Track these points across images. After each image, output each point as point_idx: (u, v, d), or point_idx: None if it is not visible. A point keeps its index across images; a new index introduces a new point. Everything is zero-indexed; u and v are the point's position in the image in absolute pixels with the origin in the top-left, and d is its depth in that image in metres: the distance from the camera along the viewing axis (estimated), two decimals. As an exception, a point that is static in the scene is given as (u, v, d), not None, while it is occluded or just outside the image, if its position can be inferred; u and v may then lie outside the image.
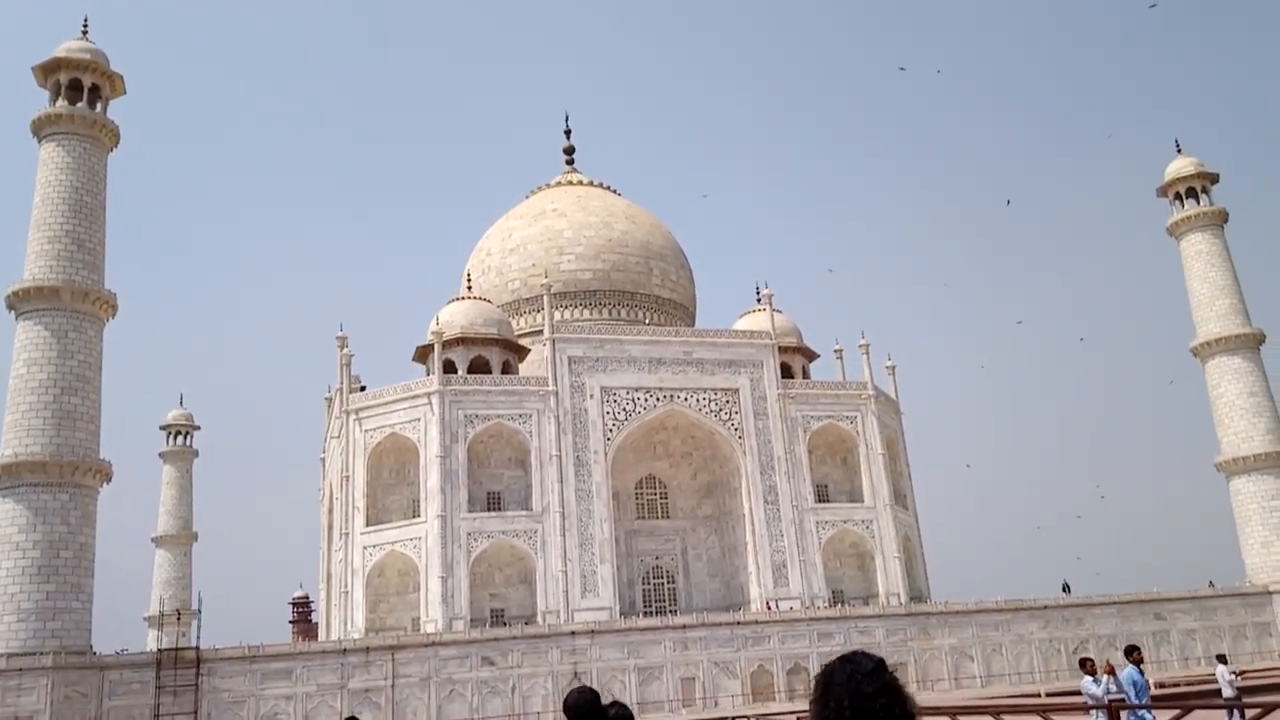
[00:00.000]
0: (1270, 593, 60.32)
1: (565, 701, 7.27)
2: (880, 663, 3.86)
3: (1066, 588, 61.61)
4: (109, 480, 44.88)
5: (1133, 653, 17.97)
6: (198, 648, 44.42)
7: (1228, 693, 18.71)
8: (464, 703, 47.19)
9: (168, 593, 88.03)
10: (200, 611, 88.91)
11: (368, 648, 47.51)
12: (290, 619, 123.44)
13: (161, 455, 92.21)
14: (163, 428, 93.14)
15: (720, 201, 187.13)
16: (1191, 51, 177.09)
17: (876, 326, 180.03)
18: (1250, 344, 64.65)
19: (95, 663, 41.73)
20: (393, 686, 46.17)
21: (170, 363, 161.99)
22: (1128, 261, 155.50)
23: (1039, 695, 33.98)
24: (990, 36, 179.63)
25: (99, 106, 49.50)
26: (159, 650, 42.47)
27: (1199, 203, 67.77)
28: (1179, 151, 69.97)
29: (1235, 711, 18.20)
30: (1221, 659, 20.15)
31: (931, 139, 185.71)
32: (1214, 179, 68.39)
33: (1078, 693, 35.98)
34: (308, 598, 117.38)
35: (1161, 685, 36.94)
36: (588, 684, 48.86)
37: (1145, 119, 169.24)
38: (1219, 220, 67.40)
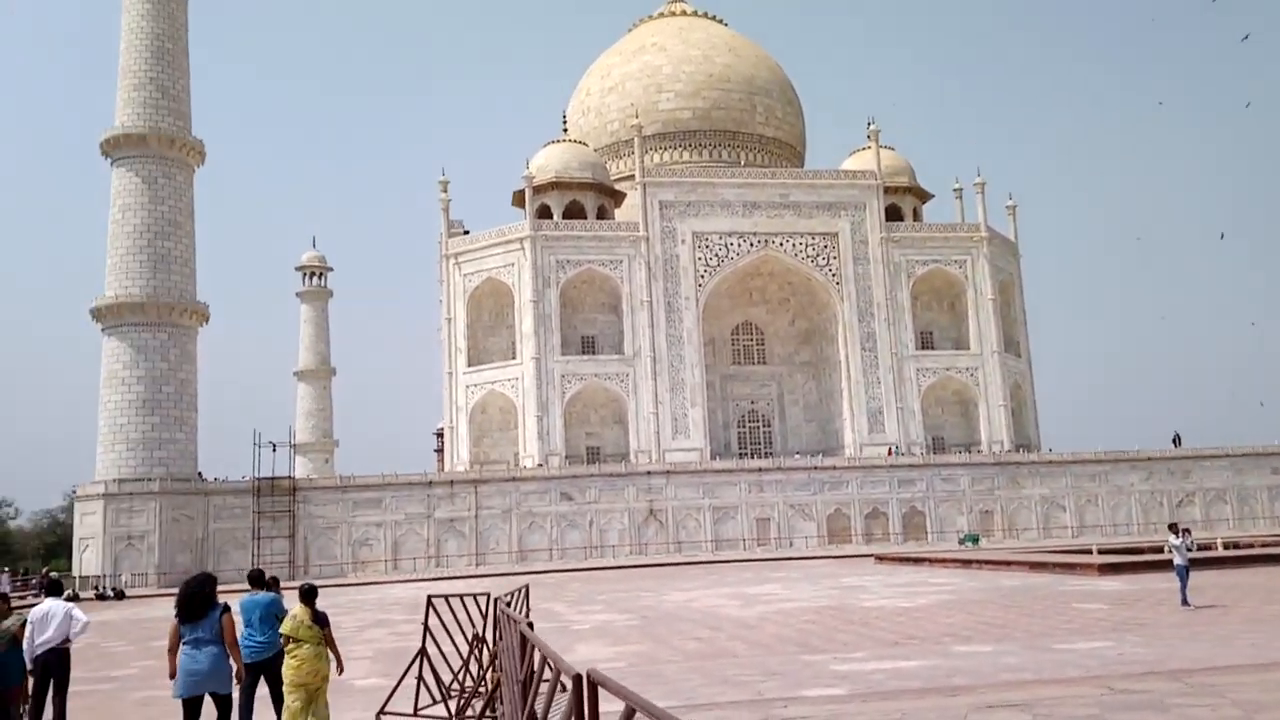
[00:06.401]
0: None
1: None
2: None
3: (1177, 440, 58.48)
4: (206, 321, 48.11)
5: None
6: (292, 477, 48.19)
7: (1179, 560, 17.72)
8: (544, 534, 49.77)
9: (309, 423, 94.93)
10: (339, 441, 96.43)
11: (451, 480, 50.40)
12: (435, 448, 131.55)
13: (299, 295, 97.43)
14: (298, 269, 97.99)
15: (839, 33, 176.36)
16: None
17: (1000, 165, 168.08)
18: None
19: (200, 488, 46.08)
20: (476, 517, 49.03)
21: (305, 208, 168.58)
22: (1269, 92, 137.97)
23: (1090, 551, 32.94)
24: None
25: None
26: (256, 478, 46.29)
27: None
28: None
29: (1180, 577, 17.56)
30: (1172, 528, 19.00)
31: None
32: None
33: (1155, 549, 34.74)
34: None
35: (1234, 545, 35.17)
36: (663, 522, 50.62)
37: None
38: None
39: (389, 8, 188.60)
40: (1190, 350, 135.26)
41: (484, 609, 12.25)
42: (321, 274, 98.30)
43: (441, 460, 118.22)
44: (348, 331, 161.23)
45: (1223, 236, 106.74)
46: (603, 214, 66.52)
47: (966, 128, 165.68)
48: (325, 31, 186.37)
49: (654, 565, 44.09)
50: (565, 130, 71.59)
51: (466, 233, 66.38)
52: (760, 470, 53.44)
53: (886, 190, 67.01)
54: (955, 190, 72.96)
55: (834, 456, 58.63)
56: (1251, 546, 33.68)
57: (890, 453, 59.16)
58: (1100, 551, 32.92)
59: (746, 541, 51.73)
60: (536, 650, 6.96)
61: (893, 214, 67.97)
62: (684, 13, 79.85)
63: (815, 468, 53.78)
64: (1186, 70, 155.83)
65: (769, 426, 67.94)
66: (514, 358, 61.65)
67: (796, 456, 59.31)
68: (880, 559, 38.03)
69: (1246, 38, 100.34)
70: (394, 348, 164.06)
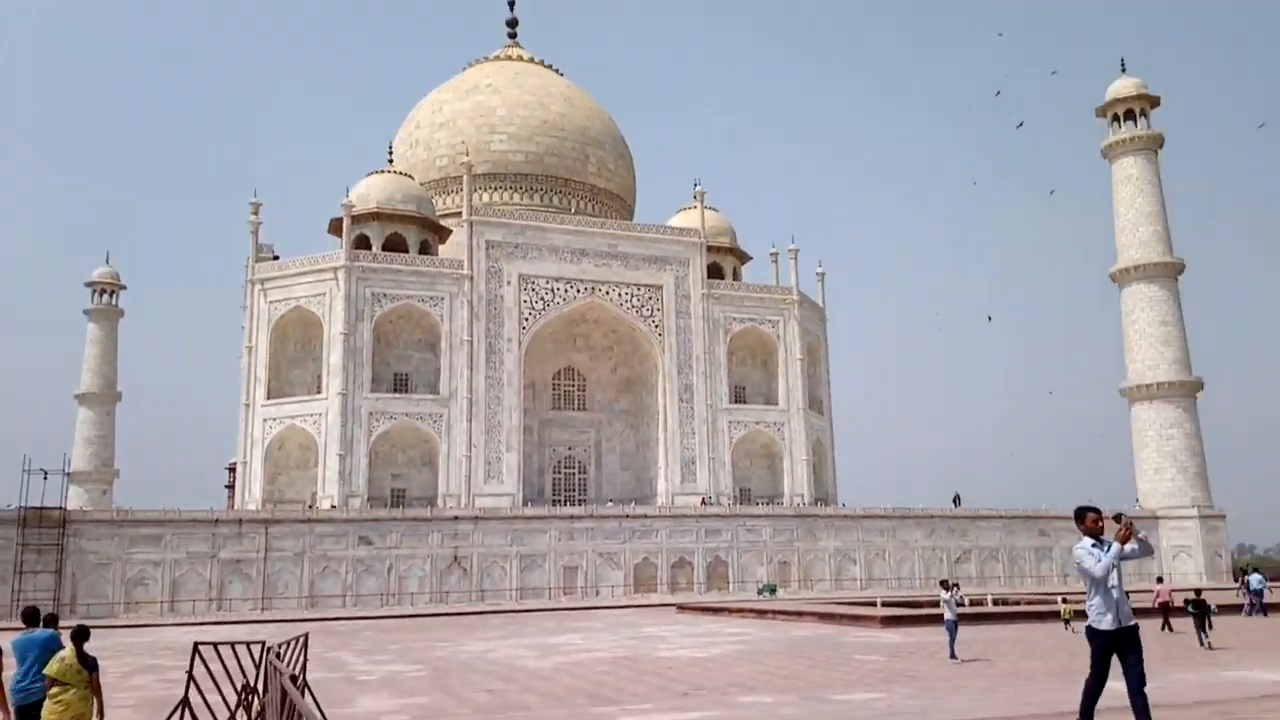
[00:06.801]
0: (1158, 518, 61.58)
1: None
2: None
3: (957, 500, 62.68)
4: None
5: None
6: (63, 508, 44.26)
7: (948, 615, 18.89)
8: (338, 579, 47.63)
9: (88, 451, 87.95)
10: (119, 471, 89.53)
11: (240, 519, 47.63)
12: (227, 484, 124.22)
13: (86, 313, 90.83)
14: (88, 285, 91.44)
15: (676, 98, 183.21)
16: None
17: (814, 233, 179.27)
18: (1168, 273, 64.35)
19: (-47, 517, 41.52)
20: (265, 559, 46.41)
21: (102, 223, 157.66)
22: (1063, 183, 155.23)
23: (875, 604, 34.59)
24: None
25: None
26: (23, 507, 42.20)
27: (1136, 125, 66.41)
28: (1123, 71, 68.14)
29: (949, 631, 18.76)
30: (943, 584, 20.33)
31: (876, 51, 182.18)
32: (1154, 102, 66.79)
33: (933, 603, 36.71)
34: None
35: (999, 602, 37.73)
36: (466, 569, 49.51)
37: (1096, 37, 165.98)
38: (1154, 145, 66.15)
39: (211, 18, 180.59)
40: (972, 416, 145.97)
41: (257, 658, 11.68)
42: (113, 292, 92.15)
43: (232, 497, 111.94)
44: (139, 355, 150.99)
45: (990, 319, 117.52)
46: (426, 249, 65.37)
47: (785, 196, 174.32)
48: (136, 41, 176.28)
49: (455, 614, 43.00)
50: (391, 161, 70.25)
51: (276, 258, 63.69)
52: (572, 517, 53.32)
53: (709, 249, 69.22)
54: (772, 254, 76.40)
55: (646, 505, 59.28)
56: (1018, 603, 36.24)
57: (703, 502, 60.41)
58: (884, 604, 34.58)
59: (553, 590, 51.28)
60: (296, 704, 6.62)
61: (714, 272, 70.25)
62: (520, 58, 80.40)
63: (627, 516, 54.14)
64: (992, 153, 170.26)
65: (585, 474, 68.05)
66: (319, 392, 59.22)
67: (610, 504, 59.59)
68: (682, 609, 38.55)
69: (1020, 125, 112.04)
70: (189, 375, 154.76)
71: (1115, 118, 67.19)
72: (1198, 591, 22.92)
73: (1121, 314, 65.64)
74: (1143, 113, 66.73)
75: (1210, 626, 21.50)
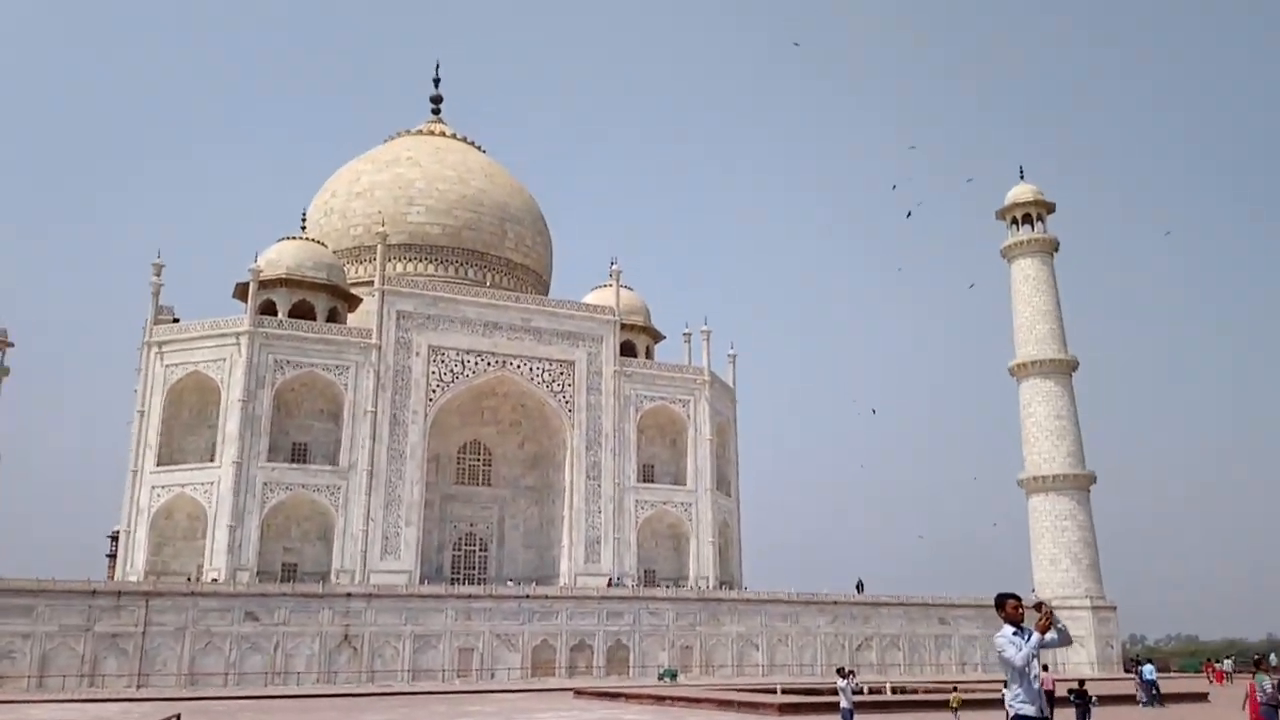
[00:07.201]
0: (1053, 608, 62.71)
1: None
2: None
3: (860, 586, 63.03)
4: None
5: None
6: (-78, 576, 41.36)
7: (844, 703, 18.75)
8: (221, 656, 45.27)
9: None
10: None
11: (119, 591, 45.11)
12: (109, 552, 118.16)
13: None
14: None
15: (596, 178, 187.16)
16: (1043, 84, 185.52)
17: (727, 316, 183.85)
18: (1063, 369, 67.05)
19: None
20: (144, 634, 43.91)
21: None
22: (970, 279, 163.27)
23: (776, 691, 34.21)
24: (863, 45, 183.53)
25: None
26: None
27: (1034, 229, 69.82)
28: (1021, 178, 71.86)
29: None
30: (840, 672, 20.26)
31: (796, 146, 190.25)
32: (1050, 208, 70.50)
33: (833, 691, 36.43)
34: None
35: (896, 691, 37.71)
36: (357, 649, 47.47)
37: (1000, 139, 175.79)
38: (1049, 248, 69.55)
39: (118, 71, 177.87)
40: (877, 502, 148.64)
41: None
42: None
43: (114, 568, 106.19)
44: (23, 416, 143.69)
45: (875, 411, 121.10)
46: (334, 317, 64.18)
47: (701, 278, 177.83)
48: (42, 89, 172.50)
49: (342, 695, 41.15)
50: (304, 228, 69.31)
51: (177, 320, 61.76)
52: (470, 597, 51.87)
53: (623, 327, 69.49)
54: (685, 335, 77.07)
55: (548, 585, 58.11)
56: (915, 692, 36.25)
57: (610, 584, 59.45)
58: (784, 691, 34.23)
59: (446, 672, 49.53)
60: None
61: (626, 349, 70.40)
62: (442, 134, 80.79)
63: (527, 596, 52.91)
64: (904, 246, 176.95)
65: (486, 551, 66.54)
66: (212, 460, 57.00)
67: (509, 584, 58.26)
68: (579, 693, 37.57)
69: (910, 215, 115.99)
70: (77, 439, 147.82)
71: (1014, 220, 70.53)
72: (1081, 682, 23.24)
73: (1020, 407, 67.93)
74: (1039, 217, 70.22)
75: (1089, 716, 21.76)
